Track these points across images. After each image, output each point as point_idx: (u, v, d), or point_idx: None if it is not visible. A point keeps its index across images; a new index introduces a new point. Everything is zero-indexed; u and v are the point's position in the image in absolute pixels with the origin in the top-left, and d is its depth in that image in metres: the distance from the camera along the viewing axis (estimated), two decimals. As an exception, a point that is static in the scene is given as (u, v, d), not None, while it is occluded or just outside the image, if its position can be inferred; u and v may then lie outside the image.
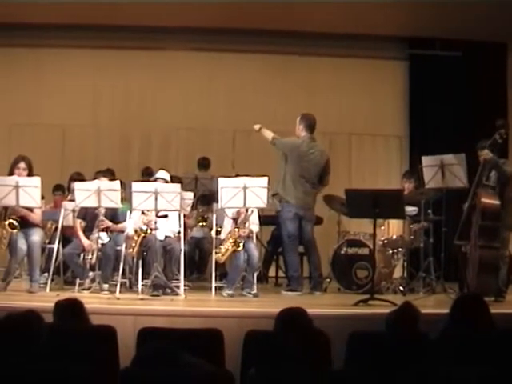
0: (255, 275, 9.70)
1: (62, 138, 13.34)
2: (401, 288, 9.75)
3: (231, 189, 9.15)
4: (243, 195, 9.10)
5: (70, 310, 5.27)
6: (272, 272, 11.50)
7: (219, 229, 9.81)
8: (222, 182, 9.23)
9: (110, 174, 10.06)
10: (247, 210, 9.44)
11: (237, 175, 10.23)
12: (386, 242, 10.01)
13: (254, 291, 9.30)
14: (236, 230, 9.47)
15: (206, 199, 11.16)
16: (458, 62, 13.01)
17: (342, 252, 10.22)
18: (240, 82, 13.44)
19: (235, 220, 9.62)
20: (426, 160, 9.39)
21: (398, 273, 10.48)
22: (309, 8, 11.84)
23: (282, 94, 13.35)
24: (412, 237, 10.00)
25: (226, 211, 9.67)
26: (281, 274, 11.42)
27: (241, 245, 9.38)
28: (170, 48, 13.26)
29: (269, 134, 10.08)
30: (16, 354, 4.21)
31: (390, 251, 10.12)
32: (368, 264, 9.89)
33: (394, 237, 10.01)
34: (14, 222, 8.88)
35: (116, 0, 11.64)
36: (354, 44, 13.12)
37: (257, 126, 10.21)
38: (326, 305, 8.17)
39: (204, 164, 12.31)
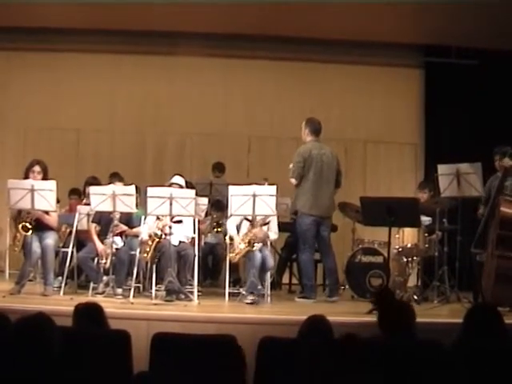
0: (268, 283, 9.70)
1: (77, 142, 13.39)
2: (415, 297, 9.71)
3: (241, 196, 9.19)
4: (252, 203, 9.14)
5: (90, 314, 5.28)
6: (285, 279, 11.48)
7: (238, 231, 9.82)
8: (232, 190, 9.27)
9: (119, 178, 10.07)
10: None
11: (265, 180, 10.21)
12: (400, 250, 10.00)
13: (254, 298, 9.16)
14: (253, 231, 9.48)
15: (220, 205, 11.16)
16: (474, 70, 12.96)
17: (357, 260, 10.23)
18: (255, 88, 13.46)
19: (252, 221, 9.63)
20: (441, 168, 9.37)
21: (412, 281, 10.45)
22: (324, 15, 11.83)
23: (297, 100, 13.33)
24: (427, 245, 9.98)
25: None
26: (294, 280, 11.42)
27: (255, 245, 9.38)
28: (186, 53, 13.25)
29: (291, 181, 9.88)
30: (29, 357, 4.21)
31: (405, 260, 10.09)
32: (382, 272, 9.89)
33: (409, 245, 10.01)
34: (28, 225, 8.93)
35: (133, 3, 11.66)
36: (369, 51, 13.10)
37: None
38: (339, 312, 8.15)
39: (219, 169, 12.33)
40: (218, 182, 11.81)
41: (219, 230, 11.08)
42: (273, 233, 9.78)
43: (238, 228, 9.80)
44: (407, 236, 10.01)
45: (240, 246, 9.50)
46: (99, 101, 13.34)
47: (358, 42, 12.88)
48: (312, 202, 9.63)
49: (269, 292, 9.63)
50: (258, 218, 9.52)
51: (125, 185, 9.61)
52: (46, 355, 4.22)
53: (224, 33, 12.78)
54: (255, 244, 9.40)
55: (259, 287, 9.29)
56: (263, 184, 9.61)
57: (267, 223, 9.68)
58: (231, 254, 9.57)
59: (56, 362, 4.63)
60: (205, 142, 13.36)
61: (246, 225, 9.71)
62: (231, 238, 9.72)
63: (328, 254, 9.85)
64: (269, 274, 9.76)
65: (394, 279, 9.82)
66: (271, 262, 9.73)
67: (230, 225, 9.82)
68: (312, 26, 12.26)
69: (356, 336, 4.55)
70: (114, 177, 9.97)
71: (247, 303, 9.09)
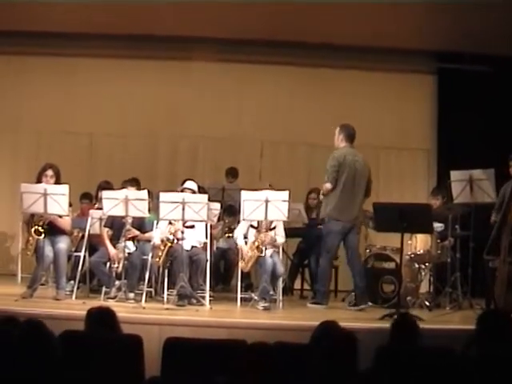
0: (280, 288, 9.70)
1: (90, 146, 13.43)
2: (427, 303, 9.71)
3: (253, 202, 9.20)
4: (265, 208, 9.14)
5: (102, 318, 5.28)
6: (297, 284, 11.48)
7: (245, 240, 9.82)
8: (245, 195, 9.28)
9: (136, 184, 10.10)
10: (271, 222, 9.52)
11: (270, 186, 10.21)
12: (412, 256, 9.99)
13: (267, 304, 9.16)
14: (258, 236, 9.50)
15: (233, 210, 11.18)
16: (487, 77, 12.92)
17: (369, 266, 10.21)
18: (268, 94, 13.45)
19: (257, 228, 9.66)
20: (454, 175, 9.36)
21: (424, 288, 10.43)
22: (338, 20, 11.83)
23: (309, 106, 13.33)
24: (439, 252, 9.97)
25: (249, 222, 9.70)
26: (306, 286, 11.44)
27: (264, 250, 9.38)
28: (199, 58, 13.26)
29: (324, 185, 9.64)
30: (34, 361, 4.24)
31: (417, 266, 10.09)
32: (394, 278, 9.87)
33: (421, 251, 9.99)
34: (40, 229, 8.95)
35: (148, 7, 11.70)
36: (382, 57, 13.07)
37: (321, 197, 9.87)
38: (351, 318, 8.15)
39: (232, 174, 12.33)
40: (231, 187, 11.82)
41: (231, 235, 11.07)
42: (280, 237, 9.80)
43: (246, 236, 9.83)
44: (419, 242, 10.00)
45: (249, 254, 9.52)
46: (112, 105, 13.38)
47: (370, 47, 12.85)
48: (343, 208, 9.43)
49: (281, 297, 9.63)
50: (263, 224, 9.53)
51: (138, 190, 9.63)
52: (48, 358, 4.23)
53: (237, 38, 12.77)
54: (263, 249, 9.39)
55: (271, 293, 9.29)
56: (268, 189, 9.62)
57: (273, 228, 9.71)
58: (242, 264, 9.57)
59: (67, 366, 4.65)
60: (217, 147, 13.38)
61: (252, 232, 9.75)
62: (238, 251, 9.78)
63: (356, 260, 9.63)
64: (281, 280, 9.76)
65: (405, 285, 9.81)
66: (281, 268, 9.72)
67: (238, 234, 9.86)
68: (325, 31, 12.25)
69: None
70: (129, 182, 9.96)
71: (259, 308, 9.08)
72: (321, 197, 9.81)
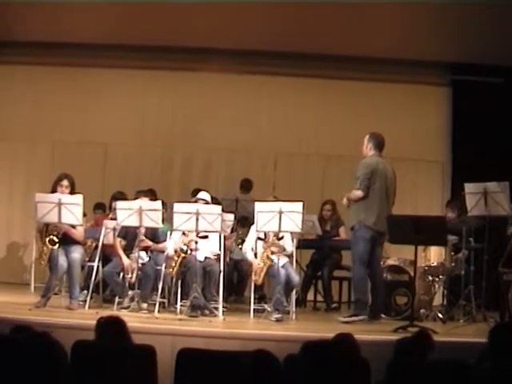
0: (293, 300, 9.69)
1: (105, 157, 13.47)
2: (440, 316, 9.66)
3: (267, 213, 9.19)
4: (278, 219, 9.13)
5: (112, 328, 5.28)
6: (310, 296, 11.45)
7: (255, 252, 9.83)
8: (259, 207, 9.28)
9: (152, 195, 10.12)
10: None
11: (274, 198, 10.21)
12: (426, 268, 9.95)
13: (280, 316, 9.12)
14: (267, 247, 9.54)
15: (246, 221, 11.15)
16: (501, 88, 12.92)
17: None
18: (283, 105, 13.48)
19: (264, 239, 9.69)
20: (468, 187, 9.33)
21: (437, 300, 10.39)
22: (352, 32, 11.86)
23: (323, 117, 13.37)
24: (453, 264, 9.93)
25: (256, 234, 9.73)
26: (319, 298, 11.42)
27: (273, 258, 9.39)
28: (215, 69, 13.29)
29: (355, 192, 9.34)
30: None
31: (431, 278, 10.05)
32: (408, 291, 9.83)
33: (435, 264, 9.96)
34: (55, 239, 8.97)
35: (164, 19, 11.75)
36: (396, 69, 13.09)
37: (344, 201, 9.53)
38: (364, 331, 8.10)
39: (246, 186, 12.36)
40: (244, 198, 11.83)
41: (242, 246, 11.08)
42: (288, 246, 9.78)
43: (255, 249, 9.84)
44: (433, 254, 9.96)
45: (260, 265, 9.53)
46: (127, 115, 13.45)
47: (385, 59, 12.88)
48: (377, 216, 9.19)
49: (294, 309, 9.60)
50: (271, 237, 9.57)
51: (152, 200, 9.65)
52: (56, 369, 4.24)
53: (253, 49, 12.82)
54: (273, 257, 9.39)
55: (285, 304, 9.27)
56: (272, 201, 9.66)
57: (281, 238, 9.70)
58: (255, 277, 9.58)
59: (79, 377, 4.65)
60: (231, 158, 13.44)
61: (260, 244, 9.77)
62: (251, 264, 9.77)
63: (377, 271, 9.46)
64: (294, 291, 9.73)
65: (419, 298, 9.77)
66: (296, 278, 9.70)
67: (247, 249, 9.89)
68: (340, 43, 12.29)
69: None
70: (143, 192, 9.96)
71: (272, 320, 9.06)
72: (344, 201, 9.45)
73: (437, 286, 10.18)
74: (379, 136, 9.58)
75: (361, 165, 9.37)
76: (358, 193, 9.26)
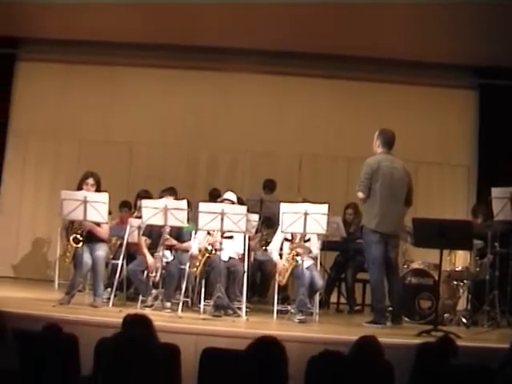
0: (317, 302, 9.68)
1: (130, 155, 13.51)
2: (464, 320, 9.61)
3: (292, 214, 9.15)
4: (304, 221, 9.10)
5: (139, 325, 5.28)
6: (334, 298, 11.44)
7: (281, 253, 9.82)
8: (284, 207, 9.25)
9: (174, 193, 10.12)
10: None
11: (303, 199, 10.20)
12: (451, 273, 9.90)
13: (303, 317, 9.11)
14: (293, 248, 9.52)
15: (271, 222, 11.17)
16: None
17: (406, 281, 10.11)
18: (308, 106, 13.48)
19: (291, 240, 9.66)
20: (495, 191, 9.25)
21: (461, 305, 10.34)
22: (379, 34, 11.82)
23: (348, 119, 13.35)
24: (478, 269, 9.87)
25: (283, 235, 9.71)
26: (342, 300, 11.40)
27: (298, 259, 9.37)
28: (240, 70, 13.31)
29: (357, 194, 9.29)
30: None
31: (455, 283, 10.01)
32: (432, 295, 9.78)
33: (460, 268, 9.91)
34: (79, 237, 9.00)
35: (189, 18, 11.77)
36: (423, 72, 13.03)
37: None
38: (388, 334, 8.06)
39: (270, 187, 12.35)
40: (269, 199, 11.82)
41: (268, 247, 11.05)
42: (315, 248, 9.76)
43: (281, 249, 9.83)
44: (458, 259, 9.91)
45: (285, 266, 9.52)
46: (153, 114, 13.50)
47: (412, 62, 12.82)
48: (379, 218, 9.04)
49: (317, 311, 9.59)
50: (297, 236, 9.53)
51: (176, 199, 9.64)
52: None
53: (278, 50, 12.82)
54: (298, 259, 9.37)
55: (308, 305, 9.25)
56: (301, 202, 9.60)
57: (308, 240, 9.68)
58: (279, 278, 9.57)
59: (104, 375, 4.66)
60: (256, 159, 13.43)
61: (287, 245, 9.74)
62: (275, 264, 9.75)
63: (393, 277, 9.30)
64: (318, 293, 9.72)
65: (443, 302, 9.73)
66: (320, 282, 9.69)
67: (273, 249, 9.87)
68: (366, 44, 12.23)
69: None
70: (167, 191, 9.99)
71: (295, 321, 9.05)
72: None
73: (461, 290, 10.13)
74: (389, 132, 9.39)
75: (363, 164, 9.26)
76: (358, 194, 9.22)
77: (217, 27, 12.02)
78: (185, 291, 9.49)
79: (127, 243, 9.95)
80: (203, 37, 12.47)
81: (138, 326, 5.23)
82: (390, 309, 9.34)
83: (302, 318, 9.09)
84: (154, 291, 9.35)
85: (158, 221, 9.10)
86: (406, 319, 9.71)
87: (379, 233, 9.07)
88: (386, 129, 9.45)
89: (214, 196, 11.15)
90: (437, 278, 9.06)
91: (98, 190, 9.27)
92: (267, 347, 4.59)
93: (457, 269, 9.92)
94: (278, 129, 13.42)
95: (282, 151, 13.37)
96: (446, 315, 9.73)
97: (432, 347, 5.22)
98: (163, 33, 12.35)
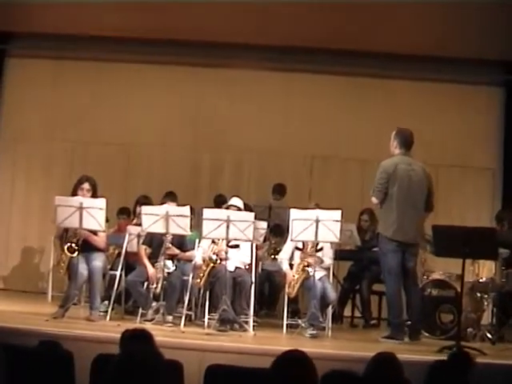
0: (329, 315, 9.69)
1: (128, 158, 13.55)
2: (489, 335, 9.61)
3: (303, 221, 9.17)
4: (315, 228, 9.11)
5: (139, 341, 5.30)
6: (347, 311, 11.46)
7: (292, 262, 9.84)
8: (294, 214, 9.27)
9: (175, 199, 10.13)
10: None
11: (316, 205, 10.22)
12: (474, 284, 9.91)
13: (314, 332, 9.14)
14: (304, 258, 9.54)
15: (280, 230, 11.18)
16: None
17: (426, 293, 10.12)
18: (318, 105, 13.49)
19: (302, 249, 9.69)
20: (521, 196, 9.29)
21: (486, 319, 10.33)
22: (395, 28, 11.84)
23: (363, 118, 13.35)
24: (504, 280, 9.87)
25: (294, 244, 9.75)
26: (357, 313, 11.41)
27: (310, 271, 9.38)
28: (245, 66, 13.34)
29: (371, 199, 9.31)
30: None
31: (479, 295, 10.00)
32: (454, 307, 9.79)
33: (484, 279, 9.90)
34: (74, 246, 9.01)
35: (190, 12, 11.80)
36: (444, 67, 13.03)
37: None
38: (406, 350, 8.08)
39: (279, 191, 12.39)
40: (278, 205, 11.86)
41: (277, 256, 11.06)
42: (327, 258, 9.78)
43: (291, 259, 9.85)
44: (482, 269, 9.91)
45: (295, 277, 9.55)
46: (152, 114, 13.53)
47: (431, 56, 12.81)
48: (396, 226, 9.04)
49: (330, 325, 9.61)
50: (309, 245, 9.55)
51: (178, 205, 9.68)
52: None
53: (287, 46, 12.83)
54: (309, 270, 9.40)
55: (320, 319, 9.28)
56: (313, 209, 9.63)
57: (320, 249, 9.70)
58: (289, 290, 9.59)
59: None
60: (264, 162, 13.47)
61: (298, 254, 9.77)
62: (285, 275, 9.78)
63: (412, 288, 9.27)
64: (330, 306, 9.75)
65: (466, 315, 9.72)
66: (333, 294, 9.71)
67: (283, 259, 9.89)
68: (381, 39, 12.26)
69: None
70: (168, 196, 10.04)
71: (306, 336, 9.08)
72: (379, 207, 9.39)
73: (486, 303, 10.12)
74: (406, 132, 9.39)
75: (379, 167, 9.26)
76: (372, 199, 9.23)
77: (220, 21, 12.05)
78: (188, 304, 9.50)
79: (126, 253, 9.96)
80: (205, 32, 12.48)
81: (138, 341, 5.25)
82: (408, 323, 9.33)
83: (314, 332, 9.12)
84: (154, 304, 9.35)
85: (158, 228, 9.14)
86: (426, 334, 9.73)
87: (396, 241, 9.07)
88: (404, 128, 9.46)
89: (220, 203, 11.15)
90: (459, 289, 9.07)
91: (95, 195, 9.29)
92: (295, 364, 4.57)
93: (481, 280, 9.91)
94: (287, 129, 13.47)
95: (291, 153, 13.41)
96: (469, 330, 9.72)
97: (445, 363, 5.22)
98: (162, 27, 12.37)
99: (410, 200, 9.16)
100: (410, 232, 9.14)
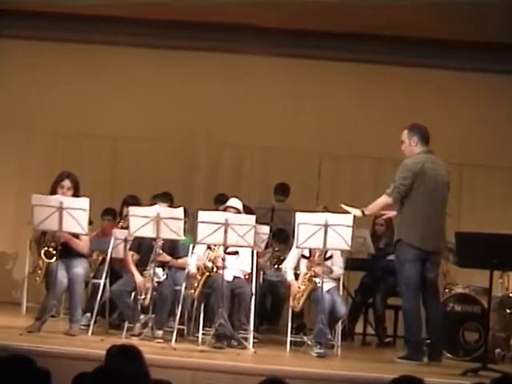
0: (338, 331, 9.66)
1: (114, 153, 13.55)
2: (520, 357, 9.64)
3: (310, 226, 9.14)
4: (324, 234, 9.08)
5: (127, 358, 5.25)
6: (359, 327, 11.44)
7: (298, 272, 9.82)
8: (300, 218, 9.24)
9: (168, 199, 10.13)
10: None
11: (324, 208, 10.20)
12: (503, 299, 9.89)
13: (322, 351, 9.12)
14: (311, 267, 9.53)
15: (284, 235, 11.21)
16: None
17: (448, 309, 10.10)
18: (330, 95, 13.48)
19: (309, 258, 9.69)
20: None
21: (516, 338, 10.33)
22: (417, 10, 11.78)
23: (380, 111, 13.34)
24: (537, 295, 9.89)
25: (300, 251, 9.75)
26: (370, 330, 11.42)
27: (317, 283, 9.35)
28: (248, 51, 13.32)
29: (381, 199, 9.26)
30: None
31: (508, 311, 9.99)
32: (480, 325, 9.77)
33: (514, 293, 9.93)
34: (52, 251, 8.98)
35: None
36: (467, 54, 12.96)
37: (358, 213, 9.29)
38: (425, 373, 7.97)
39: (282, 192, 12.35)
40: (282, 207, 11.83)
41: (281, 266, 11.02)
42: (337, 267, 9.78)
43: (297, 268, 9.83)
44: (512, 282, 9.94)
45: (300, 288, 9.54)
46: (142, 104, 13.49)
47: (455, 42, 12.76)
48: (420, 231, 9.01)
49: (339, 343, 9.59)
50: (317, 253, 9.53)
51: (170, 206, 9.68)
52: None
53: (296, 29, 12.81)
54: (317, 281, 9.37)
55: (328, 336, 9.25)
56: (322, 212, 9.62)
57: (329, 258, 9.69)
58: (293, 303, 9.58)
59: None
60: (267, 159, 13.48)
61: (304, 263, 9.77)
62: (289, 286, 9.78)
63: (433, 302, 9.24)
64: (340, 322, 9.73)
65: (494, 334, 9.71)
66: (343, 309, 9.69)
67: (287, 268, 9.88)
68: (401, 22, 12.22)
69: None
70: (159, 197, 10.03)
71: (313, 355, 9.06)
72: (356, 212, 9.28)
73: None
74: (422, 126, 9.39)
75: (401, 166, 9.17)
76: (387, 199, 9.15)
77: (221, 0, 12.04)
78: (180, 317, 9.49)
79: (111, 259, 9.97)
80: (204, 11, 12.46)
81: (126, 359, 5.20)
82: (428, 342, 9.30)
83: (321, 351, 9.11)
84: (142, 317, 9.35)
85: (148, 232, 9.12)
86: (448, 355, 9.73)
87: (418, 248, 9.03)
88: (417, 123, 9.45)
89: (221, 203, 11.05)
90: (486, 305, 9.05)
91: (76, 194, 9.26)
92: None
93: (511, 294, 9.90)
94: (294, 122, 13.47)
95: (298, 150, 13.41)
96: (497, 350, 9.70)
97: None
98: (156, 6, 12.33)
99: (436, 203, 9.15)
100: (434, 239, 9.12)
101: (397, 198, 9.11)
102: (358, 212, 9.26)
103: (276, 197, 12.33)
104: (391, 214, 9.54)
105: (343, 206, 9.29)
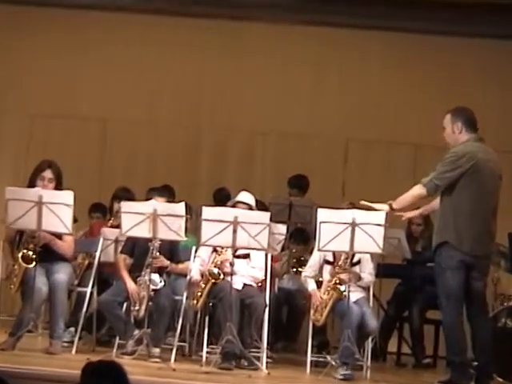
0: (368, 350, 9.61)
1: (103, 138, 13.55)
2: None
3: (334, 225, 9.07)
4: (350, 235, 9.01)
5: (105, 378, 5.17)
6: (392, 345, 11.42)
7: (320, 279, 9.77)
8: (322, 215, 9.16)
9: (169, 194, 10.10)
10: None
11: (350, 204, 10.15)
12: None
13: (349, 372, 9.02)
14: (335, 274, 9.44)
15: (303, 235, 11.21)
16: None
17: (500, 324, 10.07)
18: (357, 70, 13.49)
19: (333, 263, 9.62)
20: None
21: None
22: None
23: (416, 89, 13.32)
24: None
25: (322, 255, 9.69)
26: (405, 348, 11.40)
27: (343, 290, 9.28)
28: (259, 19, 13.32)
29: (411, 193, 9.04)
30: None
31: None
32: (538, 344, 9.77)
33: None
34: (31, 254, 8.94)
35: None
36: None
37: (385, 207, 9.12)
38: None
39: (299, 185, 12.31)
40: (301, 202, 11.80)
41: (299, 270, 11.00)
42: (367, 274, 9.71)
43: (319, 276, 9.78)
44: None
45: (324, 297, 9.45)
46: (136, 80, 13.52)
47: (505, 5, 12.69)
48: (468, 233, 8.80)
49: (369, 363, 9.52)
50: (343, 257, 9.44)
51: (169, 201, 9.68)
52: None
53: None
54: (343, 289, 9.30)
55: (356, 356, 9.19)
56: (348, 209, 9.54)
57: (357, 263, 9.63)
58: (314, 316, 9.51)
59: None
60: (283, 145, 13.47)
61: (327, 269, 9.70)
62: (309, 296, 9.71)
63: (480, 317, 9.07)
64: (370, 339, 9.68)
65: (555, 354, 9.70)
66: (373, 322, 9.59)
67: (308, 276, 9.79)
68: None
69: None
70: (158, 191, 10.00)
71: (337, 378, 8.98)
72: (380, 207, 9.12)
73: None
74: (468, 111, 9.10)
75: (448, 154, 8.90)
76: (419, 191, 8.94)
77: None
78: (180, 333, 9.48)
79: (99, 263, 9.97)
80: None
81: (104, 378, 5.12)
82: (475, 363, 9.22)
83: (348, 373, 9.03)
84: (136, 332, 9.27)
85: (143, 232, 9.09)
86: (499, 379, 9.68)
87: (463, 253, 8.88)
88: (461, 107, 9.17)
89: (221, 199, 11.14)
90: (545, 320, 9.03)
91: (59, 187, 9.26)
92: None
93: None
94: (315, 103, 13.48)
95: (320, 134, 13.39)
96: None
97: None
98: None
99: (487, 200, 8.95)
100: (483, 243, 8.92)
101: (432, 190, 8.88)
102: (385, 207, 9.10)
103: (293, 191, 12.28)
104: (413, 213, 9.44)
105: (364, 202, 9.17)
